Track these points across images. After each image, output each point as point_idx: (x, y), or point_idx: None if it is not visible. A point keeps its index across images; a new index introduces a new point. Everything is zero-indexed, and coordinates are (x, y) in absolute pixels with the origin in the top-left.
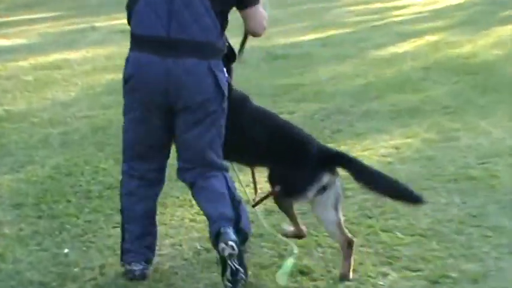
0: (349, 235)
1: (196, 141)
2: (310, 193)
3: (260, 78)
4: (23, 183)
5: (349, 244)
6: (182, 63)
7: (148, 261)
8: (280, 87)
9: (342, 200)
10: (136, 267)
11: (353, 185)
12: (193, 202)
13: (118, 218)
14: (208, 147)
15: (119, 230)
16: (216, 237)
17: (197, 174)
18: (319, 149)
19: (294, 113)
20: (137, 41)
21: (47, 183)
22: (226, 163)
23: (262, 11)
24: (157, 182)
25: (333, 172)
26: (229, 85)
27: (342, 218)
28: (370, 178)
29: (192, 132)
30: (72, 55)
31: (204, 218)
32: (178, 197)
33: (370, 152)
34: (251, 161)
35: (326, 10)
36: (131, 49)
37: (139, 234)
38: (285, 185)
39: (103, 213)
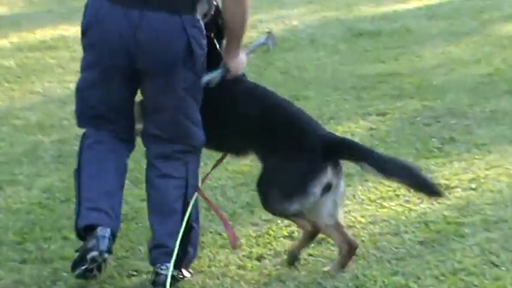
0: (352, 239)
1: (171, 106)
2: (315, 191)
3: (338, 64)
4: (2, 213)
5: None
6: (149, 18)
7: (112, 232)
8: (367, 77)
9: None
10: (104, 233)
11: (470, 218)
12: (242, 241)
13: (135, 262)
14: (184, 116)
15: (135, 279)
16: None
17: (161, 153)
18: (321, 133)
19: (387, 114)
20: None
21: (35, 213)
22: (202, 139)
23: None
24: (128, 141)
25: (337, 167)
26: (218, 55)
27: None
28: (388, 165)
29: (165, 96)
30: (71, 30)
31: (258, 264)
32: (220, 234)
33: (498, 170)
34: (238, 146)
35: None
36: None
37: (106, 190)
38: (280, 182)
39: (114, 255)
